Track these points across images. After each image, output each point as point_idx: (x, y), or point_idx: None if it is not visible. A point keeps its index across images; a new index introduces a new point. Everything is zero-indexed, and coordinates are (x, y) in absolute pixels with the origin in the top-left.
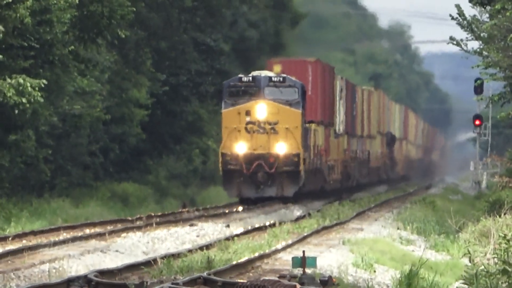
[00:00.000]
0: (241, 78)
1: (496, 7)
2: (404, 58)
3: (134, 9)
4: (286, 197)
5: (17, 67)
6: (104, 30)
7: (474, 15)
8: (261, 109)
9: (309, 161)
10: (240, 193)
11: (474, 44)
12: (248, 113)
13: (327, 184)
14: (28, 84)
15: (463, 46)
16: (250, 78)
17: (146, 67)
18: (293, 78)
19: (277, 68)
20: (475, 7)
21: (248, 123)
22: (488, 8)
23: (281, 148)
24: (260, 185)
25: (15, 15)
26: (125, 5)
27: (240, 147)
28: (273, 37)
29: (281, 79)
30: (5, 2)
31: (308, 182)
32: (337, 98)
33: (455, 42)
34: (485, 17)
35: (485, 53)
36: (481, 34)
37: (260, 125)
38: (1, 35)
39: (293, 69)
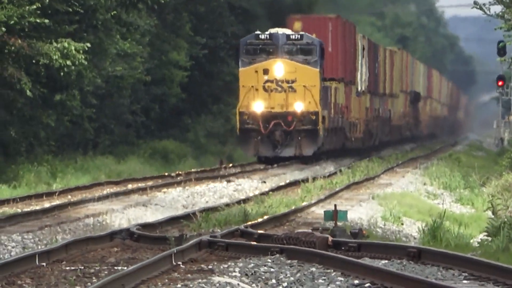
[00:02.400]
0: (258, 35)
1: None
2: (430, 21)
3: None
4: (305, 157)
5: (62, 32)
6: None
7: None
8: (278, 68)
9: (328, 119)
10: (257, 152)
11: (497, 8)
12: (265, 71)
13: (349, 142)
14: (73, 48)
15: (486, 10)
16: (268, 35)
17: (185, 31)
18: (312, 36)
19: (298, 24)
20: None
21: (266, 81)
22: None
23: (299, 106)
24: (278, 144)
25: None
26: None
27: (258, 106)
28: (306, 3)
29: (299, 36)
30: None
31: (329, 140)
32: (359, 56)
33: (478, 7)
34: None
35: (507, 16)
36: None
37: (278, 83)
38: (47, 1)
39: (314, 25)
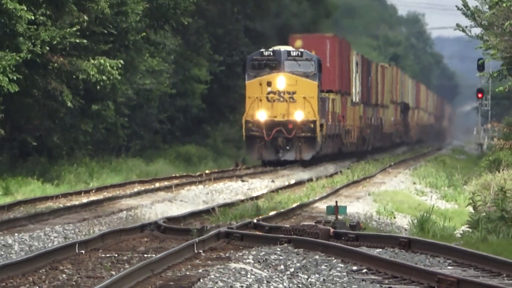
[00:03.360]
0: (262, 52)
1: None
2: (419, 41)
3: (195, 1)
4: (304, 161)
5: (98, 50)
6: (170, 19)
7: (476, 6)
8: (281, 80)
9: (326, 127)
10: (261, 157)
11: (477, 30)
12: (269, 83)
13: (345, 147)
14: (108, 64)
15: (467, 32)
16: (271, 52)
17: (206, 50)
18: (310, 52)
19: (298, 43)
20: None
21: (269, 92)
22: (487, 0)
23: (299, 115)
24: (279, 149)
25: (97, 7)
26: None
27: (262, 115)
28: (311, 25)
29: (299, 53)
30: None
31: (326, 146)
32: (353, 71)
33: (461, 29)
34: (485, 7)
35: (485, 37)
36: (482, 22)
37: (280, 94)
38: (85, 23)
39: (313, 43)
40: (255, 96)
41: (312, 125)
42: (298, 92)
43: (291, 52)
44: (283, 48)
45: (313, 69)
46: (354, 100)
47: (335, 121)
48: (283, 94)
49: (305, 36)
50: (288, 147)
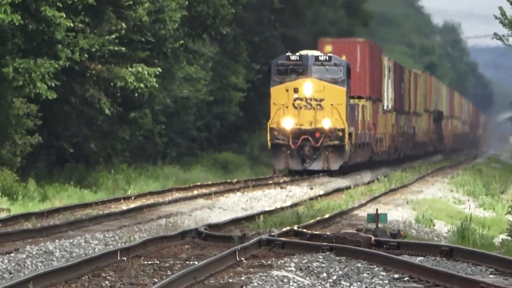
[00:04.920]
0: (289, 56)
1: None
2: (455, 50)
3: (233, 10)
4: (332, 171)
5: (136, 58)
6: (208, 27)
7: None
8: (308, 87)
9: (355, 135)
10: (287, 166)
11: None
12: (295, 90)
13: (375, 156)
14: (146, 72)
15: (505, 40)
16: (298, 57)
17: (243, 58)
18: (339, 57)
19: (328, 47)
20: None
21: (295, 99)
22: None
23: (327, 123)
24: (306, 158)
25: (135, 15)
26: (226, 6)
27: (288, 122)
28: (347, 33)
29: (327, 58)
30: (127, 4)
31: (356, 154)
32: (385, 76)
33: (498, 38)
34: None
35: None
36: None
37: (307, 101)
38: (123, 31)
39: (343, 48)
40: (281, 103)
41: (340, 134)
42: (325, 99)
43: (319, 57)
44: (310, 52)
45: (342, 74)
46: (386, 107)
47: (365, 129)
48: (310, 101)
49: (335, 40)
50: (315, 156)
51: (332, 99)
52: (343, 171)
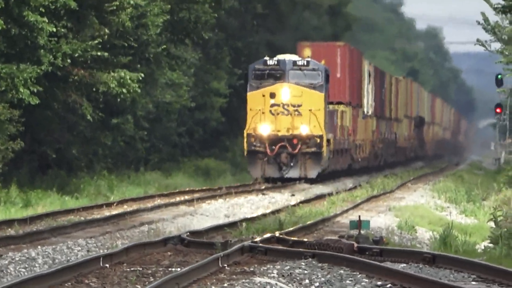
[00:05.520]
0: (266, 61)
1: None
2: (437, 56)
3: (216, 15)
4: (309, 179)
5: (119, 63)
6: (191, 32)
7: (497, 21)
8: (285, 92)
9: (334, 141)
10: (264, 173)
11: (497, 45)
12: (272, 95)
13: (355, 163)
14: (128, 77)
15: (487, 46)
16: (276, 61)
17: (225, 63)
18: (317, 62)
19: (307, 51)
20: (497, 14)
21: (272, 105)
22: (508, 15)
23: (304, 129)
24: (283, 166)
25: (118, 20)
26: (208, 12)
27: (264, 129)
28: (330, 38)
29: (305, 62)
30: (110, 9)
31: (335, 161)
32: (365, 81)
33: (480, 43)
34: (506, 22)
35: (505, 52)
36: (503, 37)
37: (284, 107)
38: (106, 36)
39: (323, 52)
40: (257, 109)
41: (318, 140)
42: (303, 104)
43: (297, 62)
44: (288, 57)
45: (320, 79)
46: (366, 112)
47: (345, 135)
48: (287, 107)
49: (315, 44)
50: (292, 164)
51: (310, 105)
52: (322, 179)
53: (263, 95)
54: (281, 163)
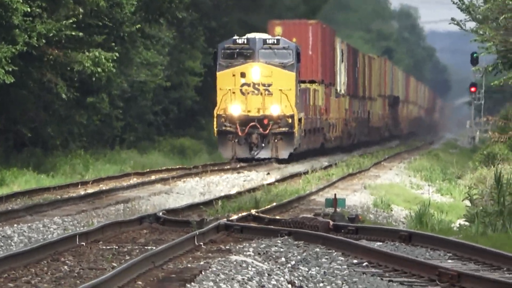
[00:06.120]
0: (235, 40)
1: None
2: (412, 35)
3: None
4: (281, 159)
5: (93, 42)
6: (165, 12)
7: (471, 0)
8: (255, 71)
9: (306, 120)
10: (234, 154)
11: (471, 24)
12: (242, 74)
13: (328, 142)
14: (103, 57)
15: (462, 25)
16: (245, 40)
17: (200, 43)
18: (288, 40)
19: (278, 29)
20: None
21: (242, 84)
22: None
23: (275, 109)
24: (254, 146)
25: (92, 0)
26: None
27: (235, 109)
28: (304, 18)
29: (275, 41)
30: None
31: (307, 140)
32: (338, 60)
33: (455, 22)
34: (480, 2)
35: (480, 31)
36: (477, 16)
37: (255, 86)
38: (80, 16)
39: (294, 30)
40: (227, 88)
41: (289, 120)
42: (274, 84)
43: (267, 40)
44: (258, 35)
45: (291, 58)
46: (339, 91)
47: (317, 114)
48: (257, 86)
49: (286, 22)
50: (263, 144)
51: (281, 84)
52: (295, 158)
53: (233, 75)
54: (252, 144)
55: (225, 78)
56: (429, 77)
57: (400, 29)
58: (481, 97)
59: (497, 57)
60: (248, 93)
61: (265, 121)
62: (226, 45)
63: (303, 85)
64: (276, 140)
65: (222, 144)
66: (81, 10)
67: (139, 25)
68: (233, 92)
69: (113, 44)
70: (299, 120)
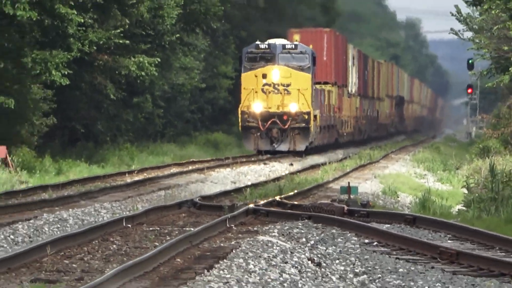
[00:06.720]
0: (258, 45)
1: (485, 7)
2: (416, 44)
3: (223, 8)
4: (298, 152)
5: (138, 49)
6: (201, 23)
7: (468, 13)
8: (275, 73)
9: (321, 117)
10: (257, 147)
11: (468, 34)
12: (264, 76)
13: (341, 137)
14: (146, 62)
15: (460, 35)
16: (266, 45)
17: (231, 50)
18: (305, 46)
19: (296, 36)
20: (469, 6)
21: (264, 85)
22: (478, 7)
23: (293, 107)
24: (274, 140)
25: (137, 12)
26: (216, 5)
27: (257, 106)
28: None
29: (293, 46)
30: (130, 2)
31: (322, 136)
32: (350, 64)
33: (454, 32)
34: (477, 14)
35: (476, 40)
36: (474, 26)
37: (275, 86)
38: (127, 26)
39: (311, 38)
40: (250, 88)
41: (306, 117)
42: (292, 84)
43: (286, 45)
44: (278, 41)
45: (307, 62)
46: (350, 91)
47: (331, 112)
48: (277, 86)
49: (303, 30)
50: (282, 138)
51: (298, 85)
52: (311, 152)
53: (256, 76)
54: (272, 138)
55: (248, 79)
56: (431, 80)
57: (406, 38)
58: (476, 97)
59: (491, 62)
60: (269, 92)
61: (284, 117)
62: (249, 50)
63: (318, 86)
64: (293, 134)
65: (246, 137)
66: (127, 21)
67: (178, 35)
68: (256, 92)
69: (156, 51)
70: (315, 117)
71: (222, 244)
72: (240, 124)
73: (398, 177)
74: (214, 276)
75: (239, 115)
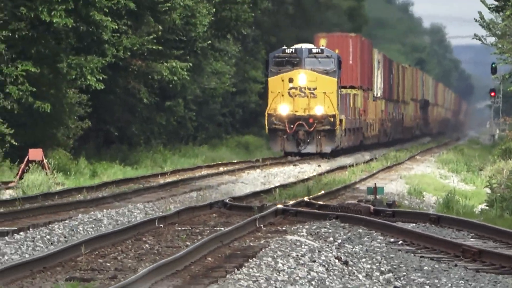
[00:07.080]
0: (285, 49)
1: (507, 13)
2: (440, 48)
3: (253, 15)
4: (324, 154)
5: (171, 55)
6: (232, 29)
7: (491, 19)
8: (302, 77)
9: (346, 121)
10: (283, 149)
11: (491, 39)
12: (291, 80)
13: (366, 140)
14: (179, 67)
15: (483, 40)
16: (293, 50)
17: (261, 55)
18: (330, 50)
19: (323, 41)
20: (492, 13)
21: (290, 88)
22: (501, 13)
23: (319, 110)
24: (300, 142)
25: (169, 19)
26: (247, 12)
27: (284, 109)
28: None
29: (319, 50)
30: (163, 9)
31: (347, 138)
32: (375, 68)
33: (477, 38)
34: (499, 20)
35: (499, 45)
36: (496, 32)
37: (301, 90)
38: (160, 32)
39: (337, 42)
40: (277, 91)
41: (331, 119)
42: (318, 88)
43: (312, 50)
44: (304, 45)
45: (333, 66)
46: (375, 95)
47: (356, 115)
48: (304, 90)
49: (329, 35)
50: (308, 140)
51: (324, 88)
52: (337, 154)
53: (282, 80)
54: (299, 140)
55: (275, 83)
56: (455, 84)
57: (431, 43)
58: (499, 101)
59: None
60: (295, 95)
61: (311, 120)
62: (276, 54)
63: (344, 90)
64: (319, 137)
65: (273, 139)
66: (160, 27)
67: (209, 41)
68: (282, 95)
69: (188, 56)
70: (340, 120)
71: (251, 244)
72: (267, 126)
73: (423, 178)
74: (244, 274)
75: (266, 118)
